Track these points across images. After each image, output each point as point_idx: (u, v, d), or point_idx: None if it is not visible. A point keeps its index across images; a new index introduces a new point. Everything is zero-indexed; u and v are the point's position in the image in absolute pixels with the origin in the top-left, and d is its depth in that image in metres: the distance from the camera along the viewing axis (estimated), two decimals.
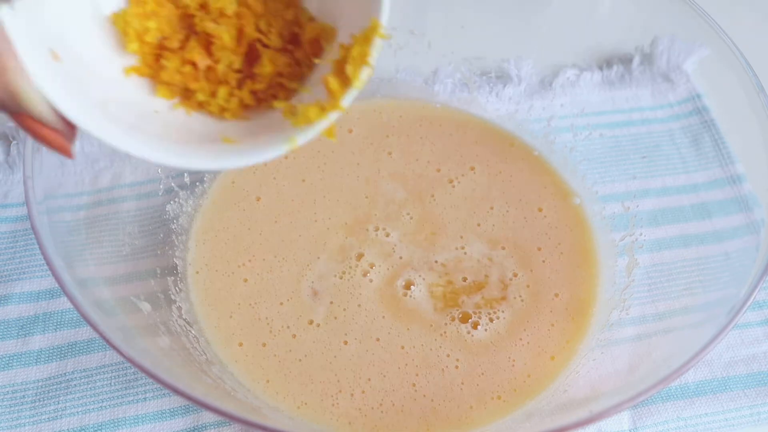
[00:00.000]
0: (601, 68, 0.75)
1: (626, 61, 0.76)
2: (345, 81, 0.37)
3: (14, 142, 0.67)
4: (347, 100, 0.38)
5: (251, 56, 0.41)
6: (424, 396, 0.55)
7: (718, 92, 0.71)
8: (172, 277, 0.60)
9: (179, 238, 0.62)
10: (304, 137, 0.38)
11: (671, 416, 0.55)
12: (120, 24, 0.39)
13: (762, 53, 0.63)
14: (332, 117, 0.38)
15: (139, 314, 0.54)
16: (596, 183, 0.66)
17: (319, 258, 0.61)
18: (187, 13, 0.40)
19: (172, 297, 0.58)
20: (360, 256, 0.62)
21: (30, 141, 0.50)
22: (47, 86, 0.34)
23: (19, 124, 0.35)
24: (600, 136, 0.70)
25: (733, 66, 0.57)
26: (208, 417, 0.54)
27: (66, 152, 0.36)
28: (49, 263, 0.46)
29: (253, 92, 0.41)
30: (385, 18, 0.38)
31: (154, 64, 0.40)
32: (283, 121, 0.39)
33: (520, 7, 0.72)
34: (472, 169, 0.68)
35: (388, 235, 0.63)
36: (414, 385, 0.55)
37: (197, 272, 0.61)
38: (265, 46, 0.40)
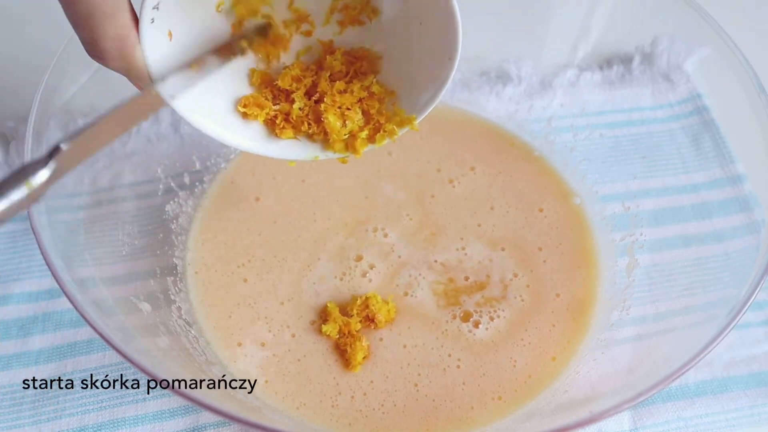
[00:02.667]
0: (601, 68, 0.75)
1: (626, 61, 0.75)
2: (371, 140, 0.50)
3: (13, 142, 0.67)
4: (365, 149, 0.50)
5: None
6: (426, 396, 0.55)
7: (718, 92, 0.71)
8: (172, 278, 0.60)
9: (179, 238, 0.62)
10: (324, 157, 0.50)
11: (672, 416, 0.55)
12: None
13: (762, 53, 0.63)
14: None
15: (138, 314, 0.54)
16: (596, 183, 0.66)
17: (319, 259, 0.61)
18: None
19: (172, 297, 0.58)
20: (359, 257, 0.61)
21: (29, 141, 0.50)
22: (158, 75, 0.43)
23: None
24: (600, 136, 0.69)
25: (733, 66, 0.57)
26: (207, 417, 0.54)
27: None
28: (48, 263, 0.46)
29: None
30: (419, 120, 0.50)
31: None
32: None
33: (520, 7, 0.72)
34: (472, 169, 0.68)
35: (386, 236, 0.63)
36: (416, 385, 0.55)
37: (196, 272, 0.61)
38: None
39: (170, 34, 0.44)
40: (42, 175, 0.34)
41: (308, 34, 0.49)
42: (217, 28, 0.47)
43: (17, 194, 0.33)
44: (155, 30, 0.43)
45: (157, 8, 0.42)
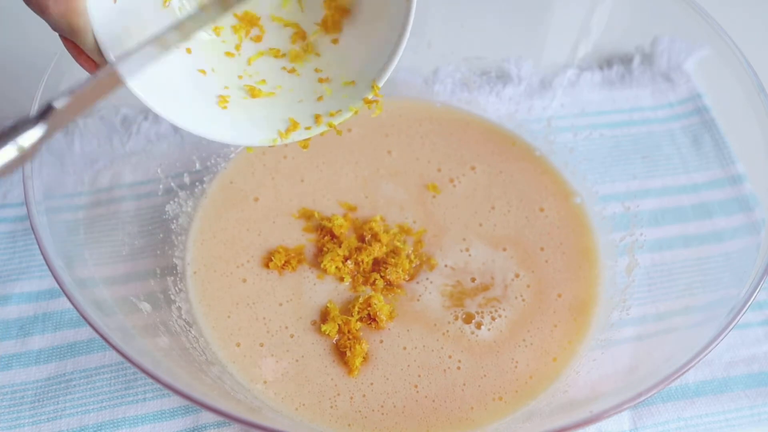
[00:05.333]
0: (601, 68, 0.75)
1: (626, 61, 0.75)
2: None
3: None
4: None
5: None
6: (426, 397, 0.55)
7: (718, 92, 0.71)
8: (172, 277, 0.60)
9: (179, 238, 0.62)
10: (281, 142, 0.49)
11: (671, 416, 0.55)
12: None
13: (762, 53, 0.63)
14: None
15: (138, 314, 0.54)
16: (597, 183, 0.66)
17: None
18: None
19: (172, 297, 0.58)
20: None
21: None
22: (100, 29, 0.41)
23: (65, 44, 0.42)
24: (600, 136, 0.69)
25: (733, 66, 0.57)
26: (207, 417, 0.54)
27: (91, 71, 0.44)
28: (48, 263, 0.46)
29: None
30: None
31: None
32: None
33: (520, 7, 0.72)
34: (473, 168, 0.67)
35: None
36: (416, 386, 0.55)
37: (195, 272, 0.60)
38: None
39: None
40: (33, 135, 0.34)
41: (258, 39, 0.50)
42: None
43: (7, 153, 0.33)
44: None
45: None
